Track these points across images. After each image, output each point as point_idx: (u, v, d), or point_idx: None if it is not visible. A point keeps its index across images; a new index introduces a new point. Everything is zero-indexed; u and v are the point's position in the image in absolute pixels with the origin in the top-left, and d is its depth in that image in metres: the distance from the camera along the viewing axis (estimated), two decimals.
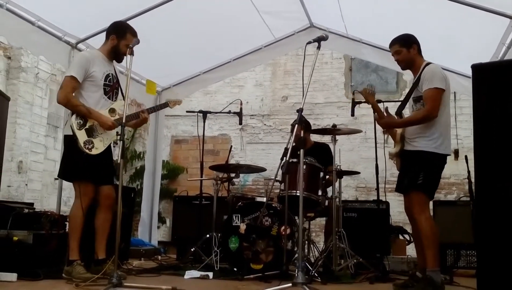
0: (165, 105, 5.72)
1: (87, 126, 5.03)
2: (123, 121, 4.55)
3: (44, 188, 9.88)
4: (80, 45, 6.94)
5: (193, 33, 7.47)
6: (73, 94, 5.10)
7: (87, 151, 4.96)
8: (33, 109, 9.58)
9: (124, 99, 5.05)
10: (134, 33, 5.26)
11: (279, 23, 7.98)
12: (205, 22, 7.31)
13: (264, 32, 8.09)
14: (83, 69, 5.09)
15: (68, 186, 10.03)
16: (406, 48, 5.10)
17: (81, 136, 4.99)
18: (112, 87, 5.28)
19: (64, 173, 5.28)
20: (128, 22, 6.35)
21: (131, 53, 4.74)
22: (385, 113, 5.24)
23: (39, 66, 9.71)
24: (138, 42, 4.97)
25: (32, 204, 6.84)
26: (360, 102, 6.61)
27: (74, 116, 5.05)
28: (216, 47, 8.13)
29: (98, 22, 6.72)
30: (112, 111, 5.18)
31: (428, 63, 5.03)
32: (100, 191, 5.18)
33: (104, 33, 6.54)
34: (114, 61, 5.41)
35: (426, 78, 4.87)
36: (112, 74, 5.31)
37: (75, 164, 5.07)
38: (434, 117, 4.85)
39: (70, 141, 5.08)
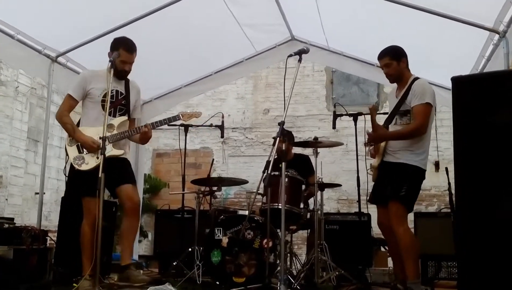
0: (176, 118, 5.44)
1: (78, 142, 5.07)
2: (104, 135, 4.56)
3: (24, 203, 9.78)
4: (60, 59, 6.91)
5: (174, 46, 7.45)
6: (69, 112, 5.23)
7: (76, 166, 5.01)
8: (13, 123, 9.50)
9: (129, 116, 5.33)
10: (128, 48, 5.22)
11: (260, 36, 8.00)
12: (186, 35, 7.31)
13: (245, 45, 8.10)
14: (80, 87, 5.22)
15: (49, 200, 10.02)
16: (396, 61, 5.06)
17: (72, 152, 5.08)
18: (113, 104, 5.24)
19: (68, 192, 5.30)
20: (107, 36, 6.35)
21: (112, 66, 4.76)
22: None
23: (18, 80, 9.64)
24: (116, 56, 4.97)
25: (12, 219, 6.76)
26: (341, 115, 6.65)
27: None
28: (197, 60, 8.12)
29: (78, 35, 6.71)
30: (109, 126, 5.13)
31: (417, 78, 5.04)
32: (119, 194, 5.19)
33: (85, 46, 6.54)
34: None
35: (417, 93, 4.86)
36: (116, 90, 5.29)
37: (73, 181, 5.16)
38: (422, 133, 4.87)
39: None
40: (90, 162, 5.04)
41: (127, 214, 5.23)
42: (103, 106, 5.17)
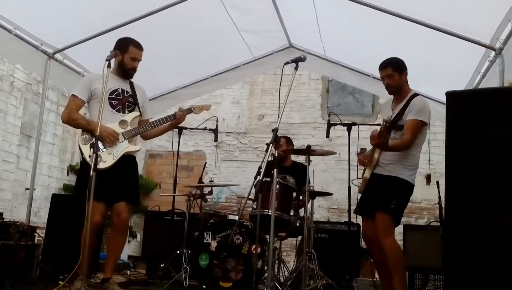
0: (188, 111, 5.47)
1: (93, 141, 4.93)
2: (97, 133, 4.53)
3: (14, 198, 9.74)
4: (57, 55, 6.91)
5: (171, 48, 7.45)
6: (77, 111, 5.17)
7: None
8: (6, 117, 9.46)
9: (140, 113, 5.30)
10: (137, 46, 5.29)
11: (258, 42, 8.01)
12: (184, 37, 7.32)
13: (243, 51, 8.12)
14: (85, 87, 5.18)
15: (39, 197, 9.98)
16: (398, 73, 5.02)
17: (87, 151, 4.95)
18: (121, 101, 5.23)
19: (76, 192, 5.25)
20: (104, 35, 6.36)
21: (108, 66, 4.74)
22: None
23: (14, 75, 9.60)
24: (114, 55, 4.96)
25: (1, 214, 6.75)
26: (335, 124, 6.66)
27: (80, 132, 5.10)
28: (194, 63, 8.13)
29: (76, 33, 6.70)
30: (123, 122, 5.15)
31: (416, 94, 5.02)
32: (113, 209, 5.12)
33: (82, 44, 6.53)
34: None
35: (415, 109, 4.84)
36: (122, 89, 5.28)
37: (82, 182, 5.00)
38: (407, 148, 4.86)
39: (82, 160, 5.10)
40: (107, 160, 4.96)
41: (114, 230, 5.20)
42: (110, 104, 5.15)
